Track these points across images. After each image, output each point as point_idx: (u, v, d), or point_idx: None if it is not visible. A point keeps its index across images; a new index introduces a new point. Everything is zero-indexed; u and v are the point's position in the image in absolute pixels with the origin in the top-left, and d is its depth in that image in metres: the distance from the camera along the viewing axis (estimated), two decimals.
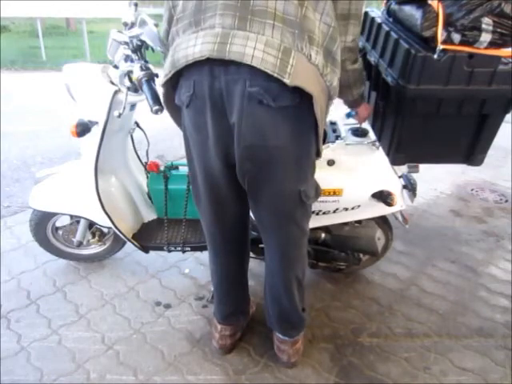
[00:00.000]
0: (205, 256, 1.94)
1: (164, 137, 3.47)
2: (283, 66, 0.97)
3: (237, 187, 1.21)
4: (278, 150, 1.09)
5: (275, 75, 0.96)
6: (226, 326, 1.54)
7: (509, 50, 1.09)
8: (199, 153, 1.18)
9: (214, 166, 1.17)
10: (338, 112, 1.71)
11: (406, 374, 1.52)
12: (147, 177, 1.89)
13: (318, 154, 1.20)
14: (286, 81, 0.97)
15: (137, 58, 1.41)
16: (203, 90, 1.04)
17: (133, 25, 1.45)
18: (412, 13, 1.22)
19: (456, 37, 1.08)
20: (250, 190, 1.20)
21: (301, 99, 1.02)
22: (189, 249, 1.84)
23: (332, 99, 1.14)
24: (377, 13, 1.55)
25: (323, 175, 1.60)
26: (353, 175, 1.62)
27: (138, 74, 1.34)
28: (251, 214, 1.35)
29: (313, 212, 1.64)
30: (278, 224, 1.26)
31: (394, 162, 1.40)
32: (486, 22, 1.05)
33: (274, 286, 1.41)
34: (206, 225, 1.38)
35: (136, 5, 1.49)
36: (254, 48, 0.96)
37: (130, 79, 1.48)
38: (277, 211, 1.22)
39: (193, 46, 1.02)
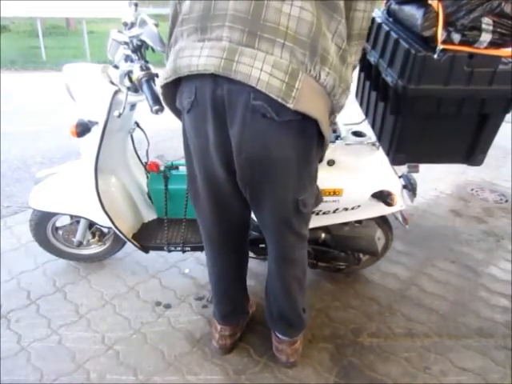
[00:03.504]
0: (205, 256, 1.93)
1: (164, 137, 3.47)
2: (288, 91, 0.95)
3: (239, 191, 1.21)
4: (279, 162, 1.09)
5: (279, 100, 0.95)
6: (226, 326, 1.54)
7: (509, 50, 1.09)
8: (200, 157, 1.17)
9: (215, 170, 1.17)
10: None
11: (406, 374, 1.52)
12: (147, 177, 1.89)
13: (321, 160, 1.23)
14: (290, 105, 0.96)
15: (137, 58, 1.42)
16: (205, 97, 1.02)
17: (133, 25, 1.46)
18: (412, 13, 1.22)
19: (456, 37, 1.08)
20: (251, 198, 1.21)
21: (304, 114, 1.01)
22: (189, 249, 1.84)
23: (335, 114, 1.13)
24: (377, 13, 1.55)
25: (323, 175, 1.60)
26: (353, 175, 1.62)
27: (137, 74, 1.34)
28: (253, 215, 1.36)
29: (313, 212, 1.64)
30: (277, 229, 1.27)
31: (394, 162, 1.40)
32: (486, 22, 1.05)
33: (275, 286, 1.41)
34: (204, 224, 1.38)
35: (136, 5, 1.49)
36: (261, 70, 0.94)
37: (130, 79, 1.48)
38: (275, 217, 1.24)
39: (197, 57, 0.99)
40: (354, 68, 1.13)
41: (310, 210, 1.29)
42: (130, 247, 1.93)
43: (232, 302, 1.53)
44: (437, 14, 1.07)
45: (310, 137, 1.09)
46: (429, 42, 1.12)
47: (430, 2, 1.10)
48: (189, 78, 1.03)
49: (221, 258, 1.44)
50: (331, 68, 0.99)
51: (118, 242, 1.97)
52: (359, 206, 1.65)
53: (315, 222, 1.66)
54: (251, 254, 1.81)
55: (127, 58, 1.44)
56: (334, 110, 1.10)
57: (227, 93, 0.99)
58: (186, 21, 1.02)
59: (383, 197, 1.62)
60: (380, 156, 1.56)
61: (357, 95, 1.75)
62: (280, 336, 1.49)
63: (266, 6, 0.93)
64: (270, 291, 1.45)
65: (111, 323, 1.70)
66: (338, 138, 1.66)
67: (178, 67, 1.03)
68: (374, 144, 1.62)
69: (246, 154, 1.07)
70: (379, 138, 1.50)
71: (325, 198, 1.61)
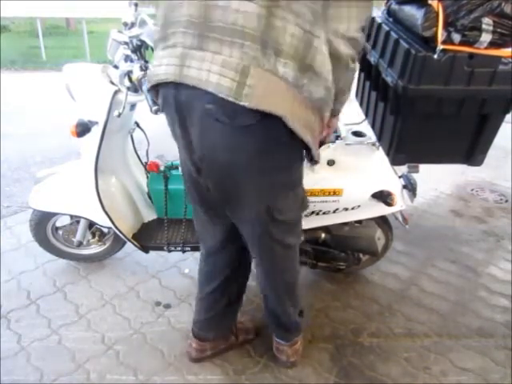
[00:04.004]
0: None
1: (164, 137, 3.45)
2: (239, 89, 0.89)
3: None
4: (239, 167, 1.04)
5: (230, 99, 0.90)
6: (194, 339, 1.51)
7: (509, 50, 1.09)
8: (180, 157, 1.21)
9: (191, 173, 1.17)
10: None
11: (406, 374, 1.52)
12: (147, 177, 1.89)
13: (313, 161, 1.11)
14: (244, 103, 0.90)
15: (136, 58, 1.42)
16: (170, 102, 1.03)
17: (133, 25, 1.46)
18: (412, 13, 1.22)
19: (456, 37, 1.08)
20: (223, 205, 1.18)
21: (263, 117, 0.93)
22: (189, 249, 1.84)
23: (322, 113, 1.02)
24: (377, 13, 1.55)
25: (323, 175, 1.60)
26: (353, 175, 1.62)
27: (137, 73, 1.34)
28: None
29: (313, 212, 1.64)
30: (256, 238, 1.22)
31: (394, 162, 1.40)
32: (487, 22, 1.05)
33: (266, 295, 1.40)
34: (196, 223, 1.38)
35: (136, 5, 1.50)
36: (209, 71, 0.91)
37: (130, 79, 1.48)
38: (251, 226, 1.18)
39: (158, 66, 1.01)
40: (361, 39, 0.96)
41: (292, 218, 1.20)
42: (129, 247, 1.92)
43: (210, 310, 1.46)
44: (437, 14, 1.07)
45: (277, 139, 1.00)
46: (429, 42, 1.12)
47: (430, 2, 1.10)
48: (159, 85, 1.06)
49: (210, 258, 1.41)
50: (288, 57, 0.90)
51: (118, 242, 1.96)
52: (359, 206, 1.65)
53: (315, 222, 1.66)
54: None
55: (127, 58, 1.44)
56: (318, 108, 0.99)
57: (185, 98, 0.99)
58: (156, 31, 1.05)
59: (383, 197, 1.62)
60: (380, 156, 1.56)
61: (357, 95, 1.75)
62: (278, 340, 1.49)
63: (215, 7, 0.89)
64: (263, 300, 1.44)
65: (111, 323, 1.70)
66: (338, 137, 1.66)
67: (150, 76, 1.07)
68: (374, 144, 1.62)
69: (208, 160, 1.05)
70: (379, 138, 1.50)
71: (325, 198, 1.61)
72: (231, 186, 1.10)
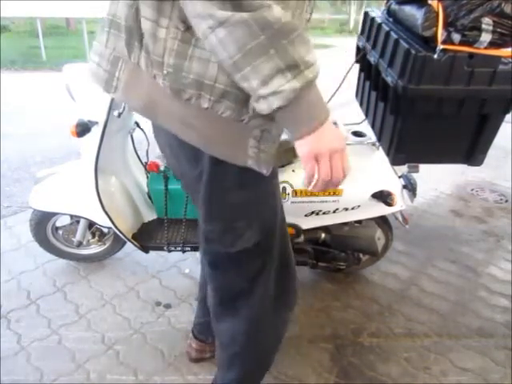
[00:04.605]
0: None
1: None
2: (110, 80, 0.87)
3: None
4: (178, 171, 1.05)
5: (104, 91, 0.89)
6: (193, 339, 1.51)
7: (509, 50, 1.09)
8: None
9: None
10: (338, 111, 1.71)
11: (405, 374, 1.52)
12: (147, 177, 1.89)
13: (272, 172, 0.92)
14: (113, 95, 0.88)
15: None
16: None
17: None
18: (412, 13, 1.22)
19: (456, 37, 1.08)
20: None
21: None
22: (189, 249, 1.84)
23: (195, 102, 0.78)
24: (377, 13, 1.55)
25: None
26: (353, 175, 1.61)
27: None
28: None
29: (313, 212, 1.65)
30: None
31: (394, 162, 1.40)
32: (486, 22, 1.05)
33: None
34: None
35: None
36: (95, 63, 0.90)
37: None
38: None
39: None
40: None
41: (227, 250, 1.00)
42: (129, 247, 1.92)
43: (204, 313, 1.42)
44: (437, 14, 1.07)
45: (194, 152, 0.88)
46: (429, 42, 1.12)
47: (429, 1, 1.10)
48: None
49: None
50: (147, 51, 0.80)
51: (118, 242, 1.96)
52: (359, 206, 1.65)
53: (315, 222, 1.66)
54: None
55: None
56: (183, 97, 0.79)
57: None
58: None
59: (383, 197, 1.62)
60: (380, 156, 1.57)
61: (357, 95, 1.75)
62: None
63: (112, 1, 0.87)
64: None
65: (111, 323, 1.70)
66: None
67: None
68: (374, 144, 1.62)
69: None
70: (379, 138, 1.50)
71: (325, 198, 1.61)
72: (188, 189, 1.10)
